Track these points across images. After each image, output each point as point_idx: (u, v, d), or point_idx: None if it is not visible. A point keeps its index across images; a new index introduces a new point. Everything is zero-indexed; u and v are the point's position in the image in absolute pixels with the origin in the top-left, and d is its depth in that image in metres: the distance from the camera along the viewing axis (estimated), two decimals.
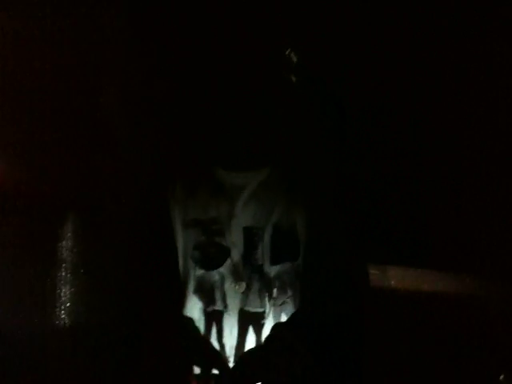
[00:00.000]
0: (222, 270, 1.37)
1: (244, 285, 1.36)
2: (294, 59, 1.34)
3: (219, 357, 1.33)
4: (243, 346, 1.38)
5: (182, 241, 1.39)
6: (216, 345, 1.38)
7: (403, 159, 1.59)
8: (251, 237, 1.37)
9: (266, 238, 1.37)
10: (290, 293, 1.39)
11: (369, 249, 1.57)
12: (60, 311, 1.39)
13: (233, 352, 1.37)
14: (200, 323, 1.38)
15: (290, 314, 1.39)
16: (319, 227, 1.37)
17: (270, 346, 1.21)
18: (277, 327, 1.30)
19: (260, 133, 1.34)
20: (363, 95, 1.54)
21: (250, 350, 1.31)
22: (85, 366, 1.34)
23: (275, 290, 1.37)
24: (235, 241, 1.38)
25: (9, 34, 1.32)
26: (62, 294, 1.40)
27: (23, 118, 1.36)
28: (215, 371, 1.29)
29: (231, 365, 1.34)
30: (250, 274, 1.37)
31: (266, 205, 1.38)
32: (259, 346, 1.34)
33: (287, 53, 1.32)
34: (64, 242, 1.39)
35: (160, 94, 1.42)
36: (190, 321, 1.36)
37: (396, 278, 1.64)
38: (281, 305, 1.38)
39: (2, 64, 1.31)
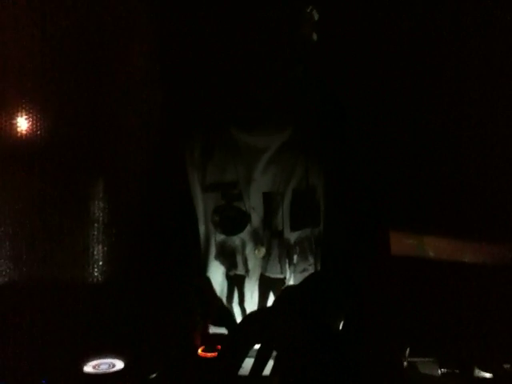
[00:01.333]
0: (242, 234, 1.34)
1: (264, 250, 1.33)
2: (316, 17, 1.26)
3: (229, 316, 1.34)
4: None
5: (202, 205, 1.37)
6: (237, 308, 1.38)
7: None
8: (270, 202, 1.32)
9: (286, 203, 1.33)
10: (311, 260, 1.35)
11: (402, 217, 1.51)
12: (90, 267, 1.43)
13: None
14: (223, 286, 1.38)
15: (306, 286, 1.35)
16: (339, 193, 1.32)
17: (277, 307, 1.19)
18: (287, 289, 1.28)
19: (279, 94, 1.26)
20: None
21: (257, 311, 1.29)
22: (111, 319, 1.37)
23: (295, 257, 1.34)
24: (255, 205, 1.34)
25: None
26: (94, 252, 1.43)
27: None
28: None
29: None
30: (270, 239, 1.33)
31: (285, 169, 1.33)
32: (267, 307, 1.33)
33: (309, 10, 1.24)
34: (94, 202, 1.42)
35: (176, 51, 1.39)
36: (207, 281, 1.37)
37: (433, 247, 1.57)
38: (301, 272, 1.35)
39: None
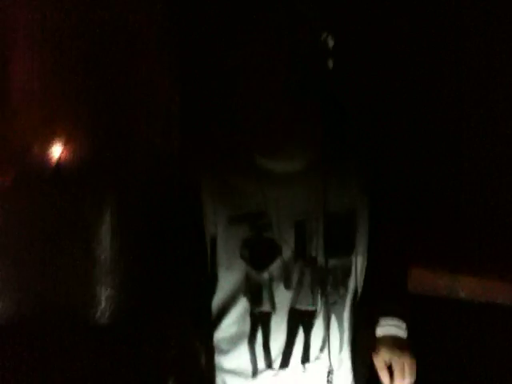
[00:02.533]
0: (271, 267, 1.23)
1: (294, 282, 1.23)
2: (331, 43, 1.24)
3: None
4: (291, 348, 1.25)
5: (227, 238, 1.23)
6: (260, 350, 1.25)
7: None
8: (303, 229, 1.22)
9: (320, 228, 1.23)
10: (341, 291, 1.26)
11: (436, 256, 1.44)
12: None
13: (280, 356, 1.25)
14: (246, 326, 1.25)
15: (340, 314, 1.27)
16: (382, 218, 1.26)
17: None
18: None
19: (298, 116, 1.20)
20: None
21: None
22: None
23: (329, 287, 1.24)
24: (286, 235, 1.23)
25: None
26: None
27: None
28: None
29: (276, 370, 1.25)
30: (303, 268, 1.23)
31: (317, 192, 1.23)
32: None
33: (323, 37, 1.22)
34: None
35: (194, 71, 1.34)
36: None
37: (467, 288, 1.49)
38: (332, 304, 1.26)
39: None
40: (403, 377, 1.22)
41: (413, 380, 1.23)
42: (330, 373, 1.28)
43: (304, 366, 1.27)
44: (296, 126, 1.22)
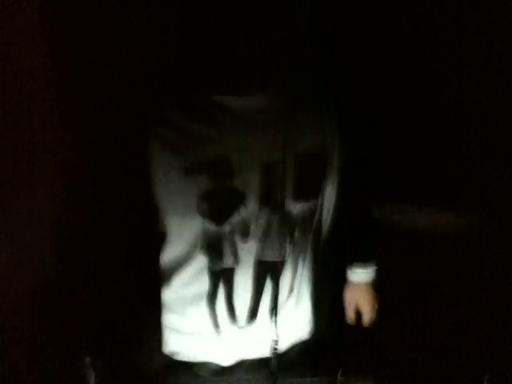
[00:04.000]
0: (232, 219, 1.07)
1: (259, 233, 1.08)
2: None
3: None
4: (258, 302, 1.14)
5: (181, 191, 1.04)
6: (223, 308, 1.14)
7: None
8: (270, 174, 1.05)
9: (290, 172, 1.07)
10: (307, 235, 1.15)
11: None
12: None
13: (246, 311, 1.15)
14: (203, 285, 1.12)
15: (305, 259, 1.18)
16: (353, 154, 1.13)
17: None
18: None
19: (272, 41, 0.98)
20: None
21: None
22: None
23: (296, 233, 1.12)
24: (249, 182, 1.05)
25: None
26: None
27: None
28: None
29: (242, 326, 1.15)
30: (269, 216, 1.08)
31: (286, 132, 1.05)
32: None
33: None
34: None
35: None
36: None
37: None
38: (299, 252, 1.15)
39: None
40: (368, 316, 1.31)
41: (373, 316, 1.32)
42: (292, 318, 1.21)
43: (272, 317, 1.18)
44: (258, 55, 0.99)
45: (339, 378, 1.20)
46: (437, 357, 1.38)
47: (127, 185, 1.01)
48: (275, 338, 1.18)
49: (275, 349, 1.19)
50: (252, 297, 1.14)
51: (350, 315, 1.33)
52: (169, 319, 1.17)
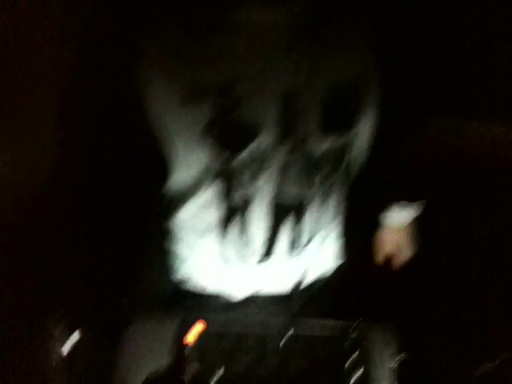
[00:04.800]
0: (242, 157, 0.93)
1: (275, 174, 0.95)
2: None
3: None
4: (273, 241, 1.04)
5: (182, 120, 0.90)
6: (236, 242, 1.04)
7: None
8: (291, 105, 0.89)
9: (315, 102, 0.90)
10: (334, 177, 1.00)
11: None
12: None
13: (259, 248, 1.05)
14: (212, 216, 1.01)
15: (329, 201, 1.03)
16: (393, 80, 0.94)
17: None
18: None
19: None
20: None
21: None
22: None
23: (319, 176, 0.98)
24: (264, 113, 0.90)
25: None
26: None
27: None
28: None
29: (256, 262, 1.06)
30: (287, 155, 0.94)
31: (316, 52, 0.88)
32: None
33: None
34: None
35: None
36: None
37: None
38: (323, 194, 1.01)
39: None
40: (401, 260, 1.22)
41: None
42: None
43: (291, 254, 1.08)
44: None
45: (358, 323, 1.11)
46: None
47: (120, 114, 0.89)
48: (292, 275, 1.10)
49: (295, 286, 1.10)
50: (267, 234, 1.04)
51: (381, 258, 1.23)
52: (178, 248, 1.10)
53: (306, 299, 1.15)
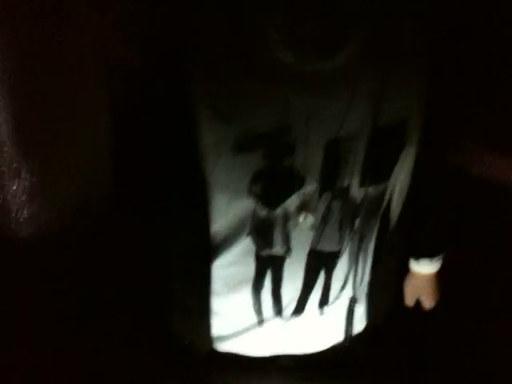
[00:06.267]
0: (288, 203, 0.89)
1: (312, 219, 0.90)
2: None
3: None
4: (309, 293, 0.99)
5: (231, 170, 0.86)
6: (268, 297, 0.98)
7: None
8: (336, 152, 0.86)
9: (360, 149, 0.87)
10: (372, 223, 0.96)
11: None
12: None
13: (293, 302, 1.00)
14: (248, 269, 0.96)
15: (366, 248, 0.99)
16: (438, 126, 0.92)
17: None
18: None
19: None
20: None
21: None
22: None
23: (357, 221, 0.94)
24: (311, 160, 0.86)
25: None
26: None
27: None
28: None
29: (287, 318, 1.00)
30: (330, 202, 0.90)
31: (367, 98, 0.84)
32: None
33: None
34: None
35: None
36: None
37: None
38: (360, 241, 0.97)
39: None
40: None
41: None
42: (352, 302, 1.06)
43: (322, 310, 1.02)
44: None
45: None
46: None
47: (172, 155, 0.84)
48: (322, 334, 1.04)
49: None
50: (302, 288, 0.99)
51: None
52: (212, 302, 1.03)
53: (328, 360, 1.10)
